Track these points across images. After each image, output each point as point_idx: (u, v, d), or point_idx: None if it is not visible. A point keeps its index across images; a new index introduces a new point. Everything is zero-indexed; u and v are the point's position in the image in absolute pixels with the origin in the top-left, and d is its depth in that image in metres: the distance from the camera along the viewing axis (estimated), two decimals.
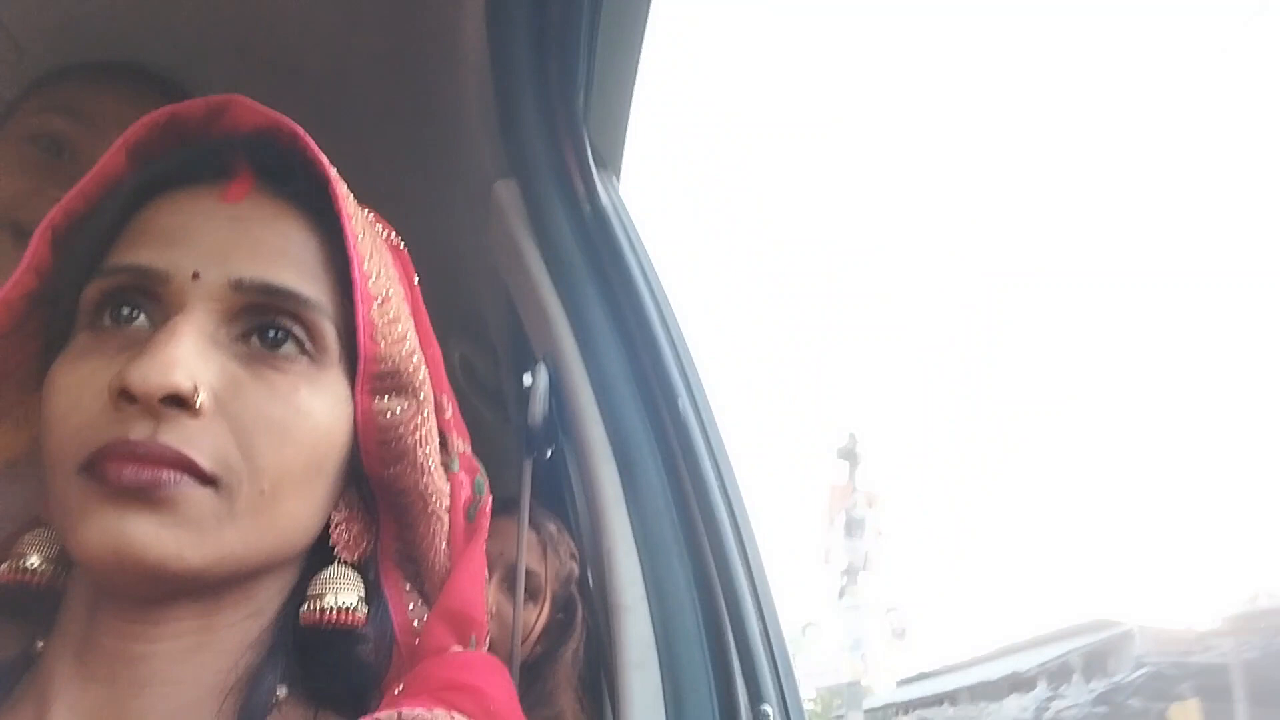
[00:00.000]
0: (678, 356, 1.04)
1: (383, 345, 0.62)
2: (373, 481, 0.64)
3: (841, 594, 19.38)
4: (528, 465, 1.07)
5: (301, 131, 0.63)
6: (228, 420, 0.56)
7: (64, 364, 0.58)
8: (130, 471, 0.52)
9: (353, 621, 0.62)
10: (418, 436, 0.65)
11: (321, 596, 0.62)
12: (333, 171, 0.62)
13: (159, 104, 0.67)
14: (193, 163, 0.63)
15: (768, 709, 0.80)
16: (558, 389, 1.04)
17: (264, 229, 0.61)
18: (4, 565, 0.60)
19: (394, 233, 0.72)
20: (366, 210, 0.69)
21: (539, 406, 1.05)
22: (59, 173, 0.97)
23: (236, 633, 0.59)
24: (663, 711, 0.85)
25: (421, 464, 0.65)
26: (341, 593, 0.62)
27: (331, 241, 0.62)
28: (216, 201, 0.61)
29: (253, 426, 0.56)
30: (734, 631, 0.86)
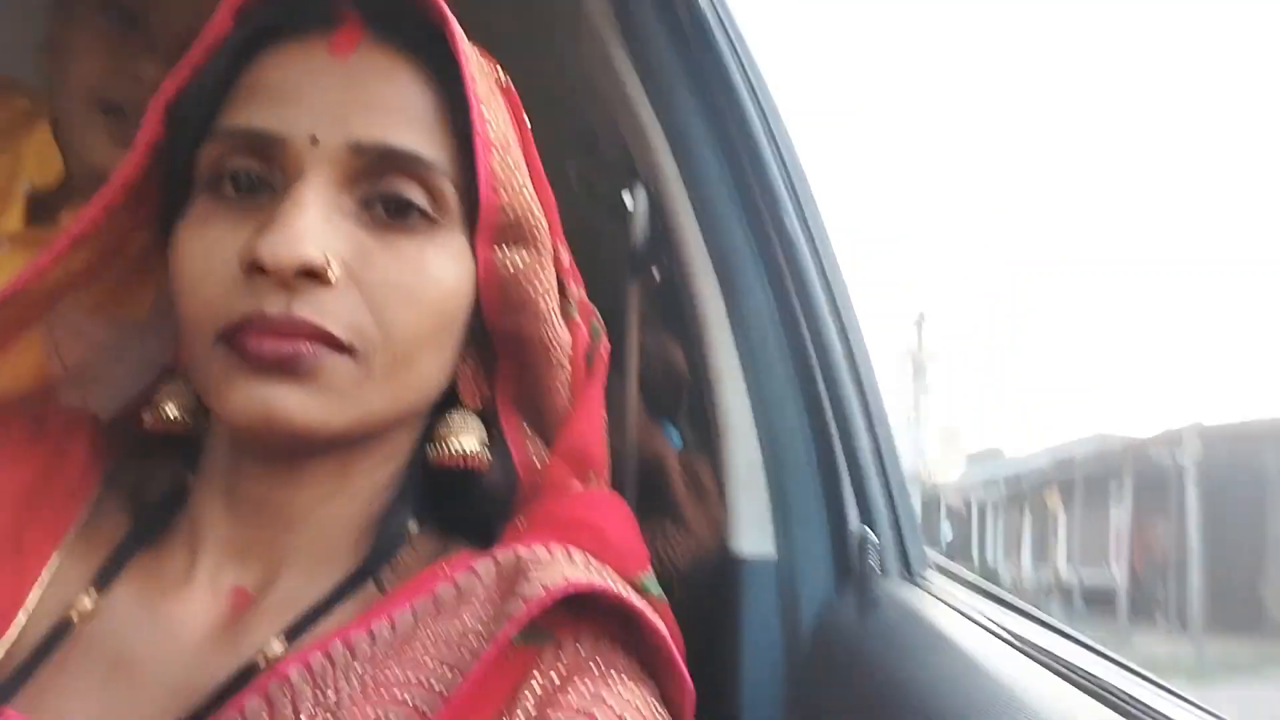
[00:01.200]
0: (785, 171, 0.94)
1: (504, 196, 0.60)
2: (494, 333, 0.64)
3: (908, 420, 26.88)
4: (632, 288, 1.00)
5: None
6: (359, 288, 0.55)
7: (189, 229, 0.57)
8: (270, 345, 0.53)
9: (476, 464, 0.63)
10: (539, 286, 0.64)
11: (447, 440, 0.63)
12: (448, 13, 0.59)
13: None
14: (298, 13, 0.59)
15: (873, 536, 0.77)
16: (658, 209, 0.95)
17: (379, 84, 0.58)
18: (147, 414, 0.62)
19: (500, 69, 0.68)
20: (476, 48, 0.65)
21: (638, 227, 0.97)
22: (135, 44, 0.94)
23: (371, 476, 0.61)
24: (771, 532, 0.80)
25: (544, 314, 0.64)
26: (465, 438, 0.63)
27: (447, 90, 0.59)
28: (326, 54, 0.57)
29: (384, 294, 0.56)
30: (845, 454, 0.79)
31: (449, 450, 0.62)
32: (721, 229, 0.93)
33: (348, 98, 0.56)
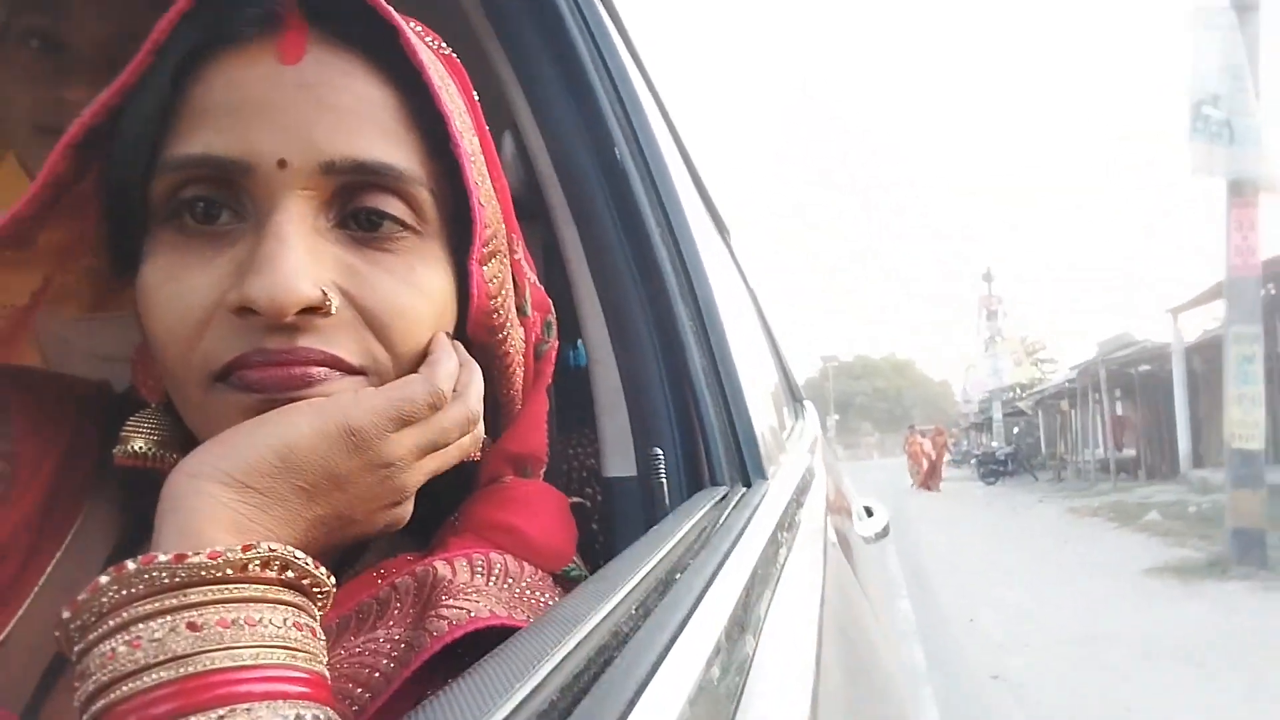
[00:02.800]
0: (621, 104, 0.94)
1: (487, 209, 0.57)
2: (473, 346, 0.60)
3: (985, 347, 33.80)
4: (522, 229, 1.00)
5: None
6: (358, 312, 0.52)
7: (154, 270, 0.52)
8: (276, 374, 0.49)
9: (471, 458, 0.61)
10: (504, 293, 0.61)
11: None
12: (395, 15, 0.53)
13: None
14: (235, 18, 0.53)
15: (657, 450, 0.80)
16: (524, 158, 0.96)
17: (337, 94, 0.52)
18: (117, 449, 0.57)
19: (441, 41, 0.62)
20: (413, 23, 0.59)
21: (511, 175, 0.98)
22: (57, 70, 0.92)
23: None
24: (632, 452, 0.86)
25: (506, 321, 0.62)
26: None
27: (404, 88, 0.54)
28: (274, 64, 0.52)
29: (384, 315, 0.52)
30: (688, 381, 0.84)
31: None
32: (576, 176, 0.95)
33: (309, 112, 0.51)
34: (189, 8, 0.52)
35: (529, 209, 1.04)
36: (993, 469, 23.86)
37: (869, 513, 2.68)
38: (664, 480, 0.77)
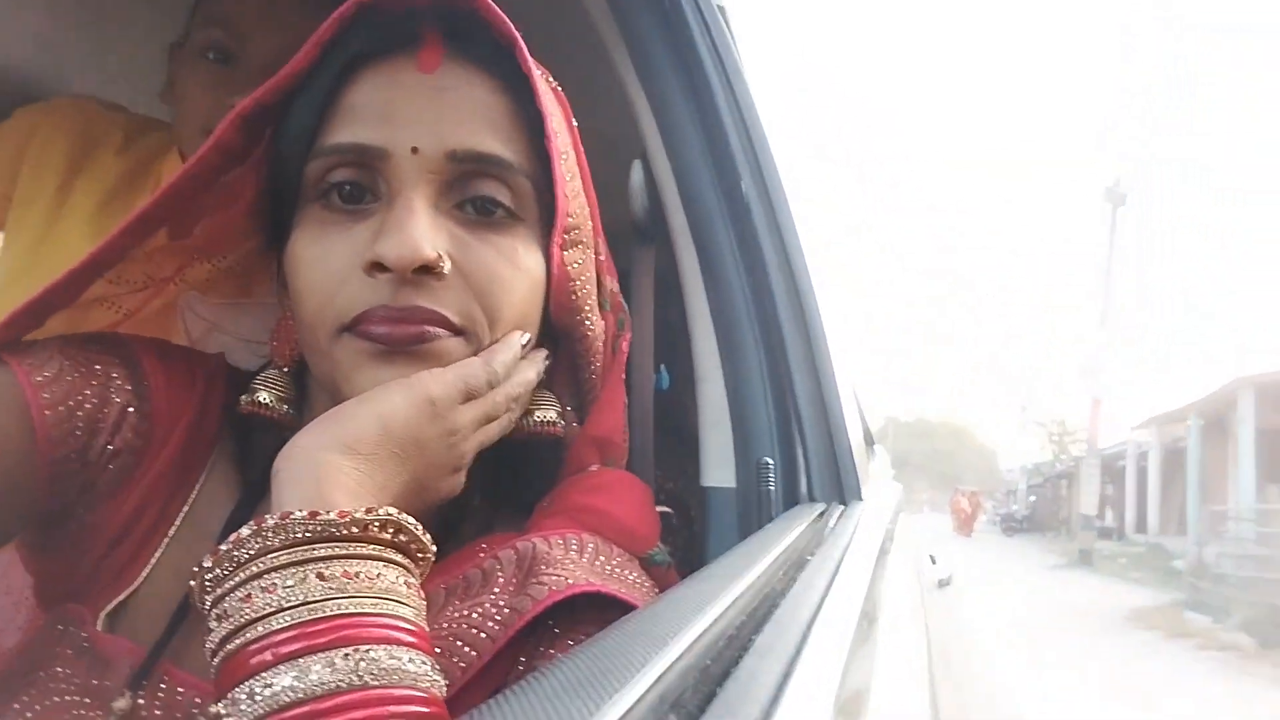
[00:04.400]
0: (747, 138, 0.94)
1: (572, 201, 0.62)
2: (556, 328, 0.65)
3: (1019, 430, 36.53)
4: (641, 254, 1.00)
5: None
6: (465, 279, 0.57)
7: (303, 238, 0.59)
8: (398, 330, 0.55)
9: (552, 432, 0.64)
10: (587, 282, 0.65)
11: (531, 413, 0.64)
12: (515, 33, 0.59)
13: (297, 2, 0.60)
14: (386, 36, 0.59)
15: (769, 459, 0.81)
16: (652, 184, 0.95)
17: (463, 97, 0.58)
18: (245, 399, 0.62)
19: (549, 75, 0.68)
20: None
21: (638, 201, 0.98)
22: (232, 79, 0.96)
23: None
24: (733, 463, 0.83)
25: (587, 308, 0.66)
26: (546, 410, 0.64)
27: (515, 97, 0.60)
28: (414, 73, 0.58)
29: (487, 284, 0.57)
30: (792, 402, 0.82)
31: (533, 422, 0.63)
32: (699, 205, 0.95)
33: (440, 111, 0.57)
34: (350, 11, 0.59)
35: (652, 235, 1.03)
36: (1012, 525, 30.75)
37: (933, 560, 2.59)
38: (771, 488, 0.74)
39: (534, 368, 0.62)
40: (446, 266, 0.55)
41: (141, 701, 0.55)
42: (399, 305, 0.54)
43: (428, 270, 0.54)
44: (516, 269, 0.59)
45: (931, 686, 0.61)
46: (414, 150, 0.56)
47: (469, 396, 0.56)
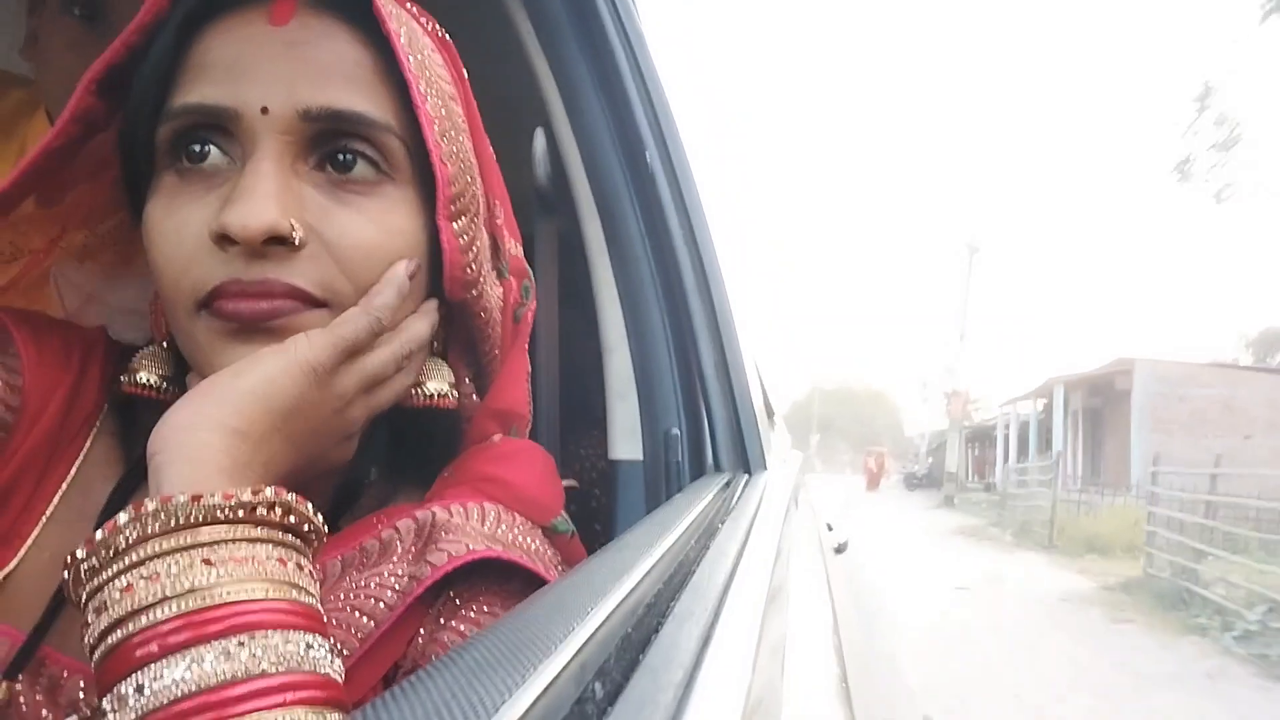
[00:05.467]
0: (651, 108, 0.93)
1: (451, 167, 0.57)
2: (452, 305, 0.61)
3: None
4: (548, 223, 0.98)
5: None
6: (326, 247, 0.53)
7: (156, 207, 0.55)
8: (248, 305, 0.51)
9: (446, 404, 0.61)
10: (476, 249, 0.61)
11: (422, 384, 0.60)
12: None
13: None
14: None
15: (676, 431, 0.80)
16: (555, 154, 0.94)
17: (318, 51, 0.54)
18: (125, 378, 0.59)
19: (436, 24, 0.64)
20: (407, 3, 0.61)
21: (540, 170, 0.96)
22: (98, 38, 0.91)
23: None
24: (639, 436, 0.83)
25: (478, 276, 0.61)
26: (435, 382, 0.61)
27: (383, 52, 0.56)
28: (265, 26, 0.54)
29: (351, 250, 0.54)
30: (698, 374, 0.82)
31: (423, 394, 0.60)
32: (603, 174, 0.94)
33: (292, 66, 0.53)
34: None
35: (556, 204, 1.01)
36: (913, 482, 36.21)
37: (829, 528, 2.67)
38: (679, 459, 0.75)
39: (424, 320, 0.59)
40: (299, 235, 0.51)
41: (20, 688, 0.52)
42: (250, 279, 0.51)
43: (280, 240, 0.51)
44: (385, 231, 0.55)
45: (837, 636, 0.63)
46: (264, 110, 0.52)
47: (352, 352, 0.53)
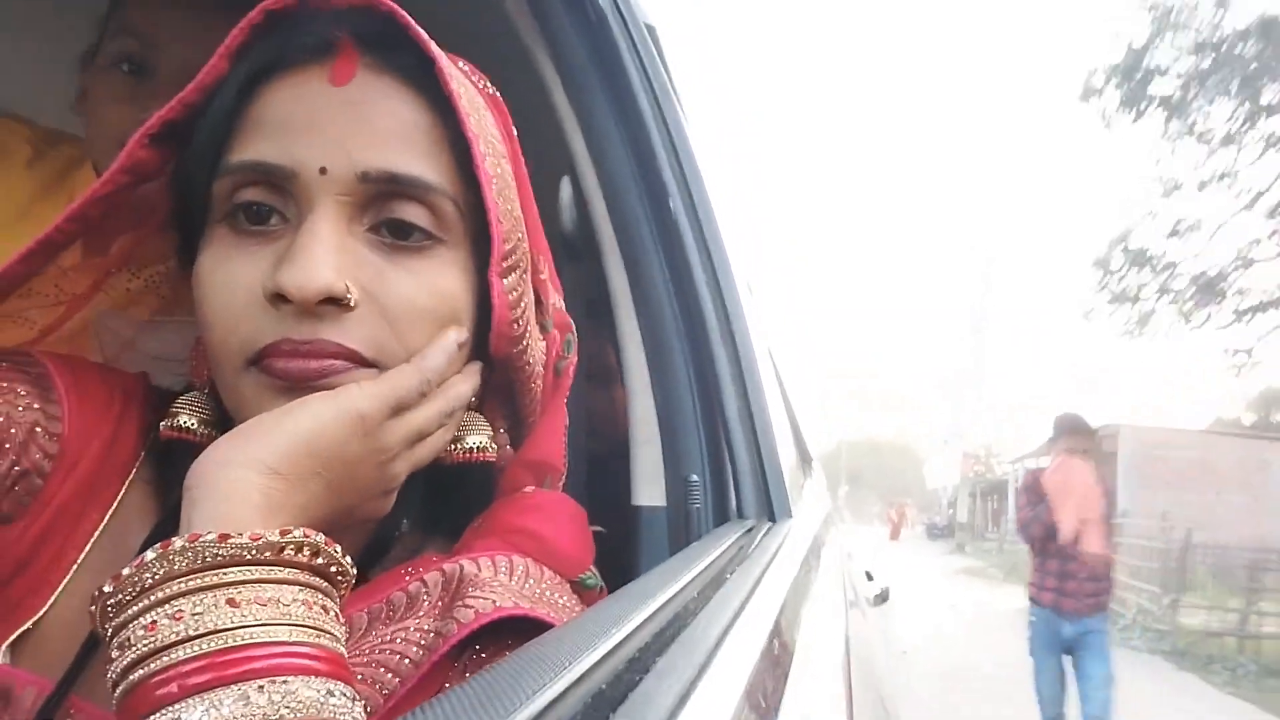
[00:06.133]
0: (675, 154, 0.93)
1: (505, 223, 0.58)
2: (496, 361, 0.61)
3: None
4: (573, 271, 0.98)
5: (395, 6, 0.56)
6: (378, 308, 0.53)
7: (209, 261, 0.55)
8: (298, 365, 0.51)
9: (483, 459, 0.60)
10: (523, 305, 0.61)
11: (461, 439, 0.60)
12: (435, 48, 0.56)
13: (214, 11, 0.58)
14: (296, 46, 0.55)
15: (696, 477, 0.80)
16: (580, 203, 0.95)
17: (377, 112, 0.54)
18: (166, 423, 0.59)
19: (488, 82, 0.64)
20: (460, 63, 0.62)
21: (566, 217, 0.97)
22: (146, 91, 0.93)
23: None
24: (663, 481, 0.82)
25: (524, 332, 0.61)
26: (475, 436, 0.60)
27: (440, 113, 0.56)
28: (325, 84, 0.54)
29: (402, 313, 0.54)
30: (722, 423, 0.81)
31: (462, 448, 0.60)
32: (627, 220, 0.94)
33: (351, 127, 0.53)
34: (258, 20, 0.56)
35: (580, 250, 1.02)
36: (934, 532, 38.61)
37: (869, 577, 2.60)
38: (699, 506, 0.73)
39: (469, 381, 0.59)
40: (354, 297, 0.51)
41: None
42: (302, 339, 0.51)
43: (333, 301, 0.51)
44: (436, 294, 0.55)
45: (849, 701, 0.61)
46: (322, 170, 0.52)
47: (400, 408, 0.53)
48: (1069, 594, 4.29)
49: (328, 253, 0.51)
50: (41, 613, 0.56)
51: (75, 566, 0.58)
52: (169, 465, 0.62)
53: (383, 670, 0.51)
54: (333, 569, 0.46)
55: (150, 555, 0.43)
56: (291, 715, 0.39)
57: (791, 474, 1.25)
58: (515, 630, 0.52)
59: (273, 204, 0.54)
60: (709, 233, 0.95)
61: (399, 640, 0.52)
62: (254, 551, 0.43)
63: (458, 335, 0.56)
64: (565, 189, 1.01)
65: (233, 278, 0.53)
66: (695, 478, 0.76)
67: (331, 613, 0.45)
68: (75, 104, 1.05)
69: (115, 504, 0.60)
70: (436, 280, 0.55)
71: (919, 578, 16.21)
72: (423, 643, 0.52)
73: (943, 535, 37.75)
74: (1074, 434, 4.36)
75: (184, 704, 0.39)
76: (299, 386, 0.51)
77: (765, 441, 0.90)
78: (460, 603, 0.52)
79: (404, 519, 0.60)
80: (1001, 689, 6.15)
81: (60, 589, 0.57)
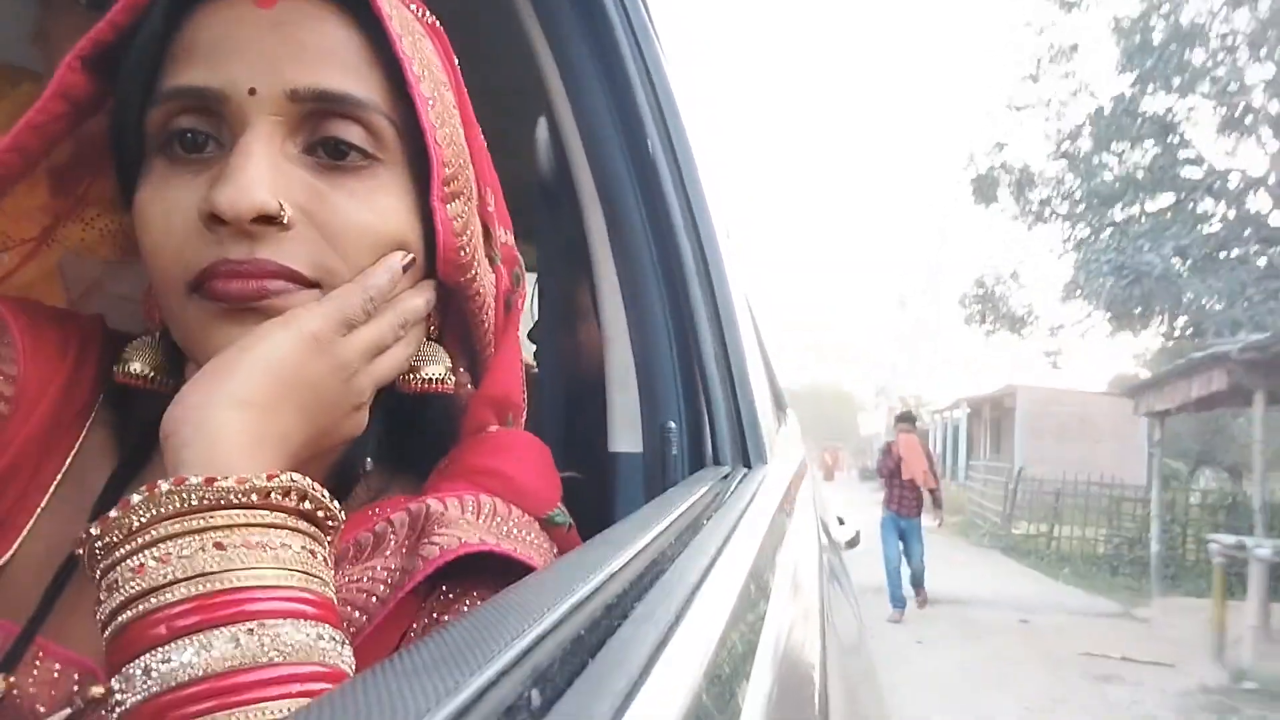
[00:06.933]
0: (654, 95, 0.91)
1: (446, 148, 0.57)
2: (445, 285, 0.61)
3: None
4: (550, 213, 0.97)
5: None
6: (318, 228, 0.53)
7: (147, 191, 0.55)
8: (238, 285, 0.51)
9: (444, 389, 0.61)
10: (468, 235, 0.61)
11: (418, 370, 0.60)
12: None
13: None
14: None
15: (673, 424, 0.79)
16: (556, 143, 0.93)
17: (306, 32, 0.54)
18: (117, 368, 0.59)
19: (427, 11, 0.64)
20: None
21: (542, 159, 0.95)
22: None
23: None
24: (639, 428, 0.82)
25: (471, 261, 0.61)
26: (432, 366, 0.61)
27: (374, 35, 0.56)
28: (252, 7, 0.54)
29: (341, 232, 0.53)
30: (698, 365, 0.81)
31: (419, 379, 0.60)
32: (605, 161, 0.93)
33: (280, 48, 0.53)
34: None
35: (557, 194, 1.00)
36: (866, 474, 40.18)
37: (840, 521, 2.65)
38: (675, 452, 0.73)
39: (422, 295, 0.58)
40: (288, 214, 0.51)
41: (14, 680, 0.52)
42: (239, 259, 0.51)
43: (268, 220, 0.50)
44: (376, 214, 0.54)
45: (822, 642, 0.62)
46: (251, 91, 0.52)
47: (349, 324, 0.53)
48: (903, 504, 8.50)
49: (260, 171, 0.50)
50: (7, 557, 0.56)
51: (38, 510, 0.58)
52: (126, 408, 0.62)
53: (349, 609, 0.51)
54: (320, 513, 0.46)
55: (136, 498, 0.43)
56: (281, 658, 0.40)
57: (767, 420, 1.25)
58: (481, 567, 0.52)
59: (207, 130, 0.53)
60: (688, 175, 0.94)
61: (366, 579, 0.52)
62: (240, 495, 0.43)
63: (403, 258, 0.56)
64: (541, 131, 0.99)
65: (170, 205, 0.53)
66: (672, 424, 0.76)
67: (320, 557, 0.45)
68: (33, 39, 1.01)
69: (76, 447, 0.60)
70: (376, 198, 0.55)
71: (845, 505, 17.61)
72: (389, 581, 0.52)
73: (872, 477, 40.50)
74: (904, 420, 9.13)
75: (174, 644, 0.39)
76: (241, 308, 0.51)
77: (742, 387, 0.89)
78: (426, 540, 0.53)
79: (366, 456, 0.60)
80: (871, 554, 8.49)
81: (25, 532, 0.57)
